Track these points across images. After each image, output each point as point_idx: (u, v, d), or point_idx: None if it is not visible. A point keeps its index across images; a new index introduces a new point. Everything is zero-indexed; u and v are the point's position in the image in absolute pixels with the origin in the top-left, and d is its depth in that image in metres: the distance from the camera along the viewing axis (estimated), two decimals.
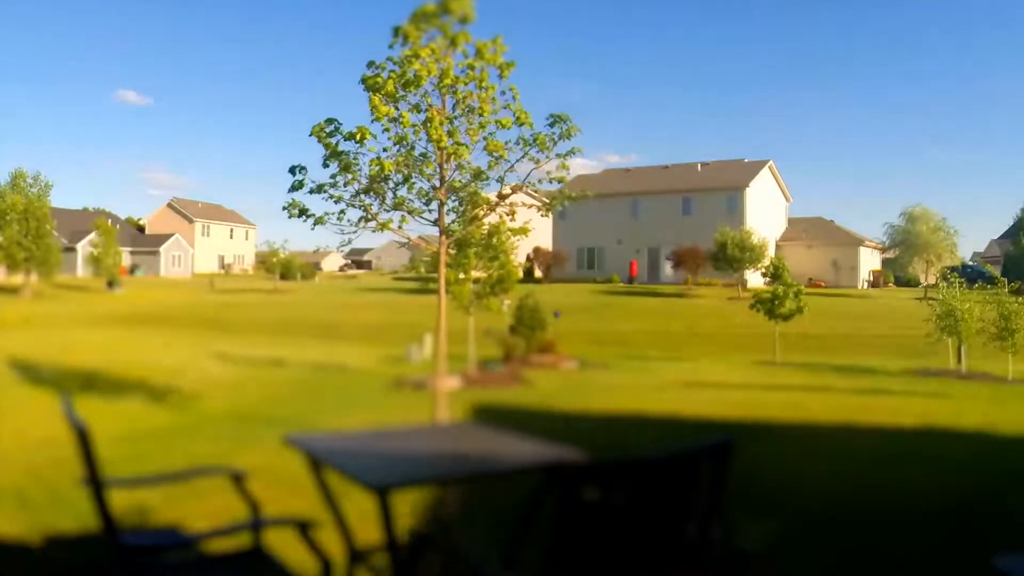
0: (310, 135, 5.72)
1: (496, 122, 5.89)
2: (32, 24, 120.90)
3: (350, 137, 5.71)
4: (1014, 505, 4.95)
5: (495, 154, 5.97)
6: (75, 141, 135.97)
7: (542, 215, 7.13)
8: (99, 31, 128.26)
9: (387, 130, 5.80)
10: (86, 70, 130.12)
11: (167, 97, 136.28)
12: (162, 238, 66.08)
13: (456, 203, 6.48)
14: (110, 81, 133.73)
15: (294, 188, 5.83)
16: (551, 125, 5.98)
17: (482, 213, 6.76)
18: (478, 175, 6.19)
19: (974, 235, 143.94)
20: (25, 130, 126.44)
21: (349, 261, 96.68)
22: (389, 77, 5.64)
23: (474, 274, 12.13)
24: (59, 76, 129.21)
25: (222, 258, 75.10)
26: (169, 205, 74.42)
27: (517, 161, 6.13)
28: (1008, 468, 6.14)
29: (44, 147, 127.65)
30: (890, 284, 47.94)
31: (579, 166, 75.31)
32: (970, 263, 51.79)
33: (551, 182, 6.22)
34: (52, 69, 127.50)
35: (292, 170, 5.85)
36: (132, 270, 59.34)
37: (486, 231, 8.25)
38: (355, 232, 6.19)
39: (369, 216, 6.17)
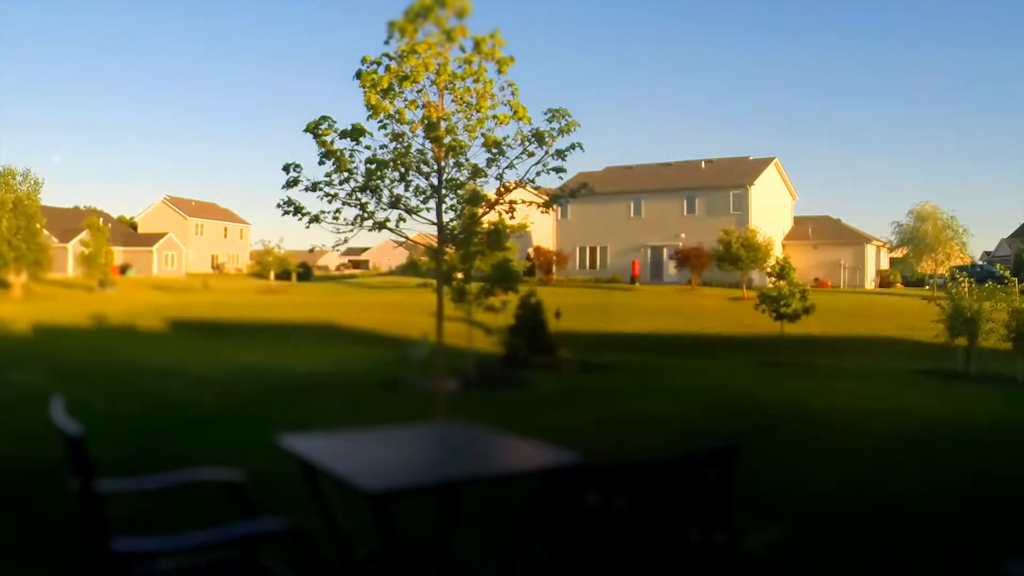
0: (304, 131, 5.66)
1: (494, 117, 5.82)
2: (27, 21, 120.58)
3: (346, 135, 5.65)
4: None
5: (494, 150, 5.90)
6: (68, 137, 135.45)
7: (542, 212, 7.07)
8: (91, 27, 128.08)
9: (383, 127, 5.74)
10: (80, 65, 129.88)
11: (163, 95, 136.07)
12: (155, 237, 65.53)
13: (455, 201, 6.41)
14: (104, 78, 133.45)
15: (288, 185, 5.78)
16: (550, 120, 5.92)
17: (481, 211, 6.69)
18: (477, 172, 6.12)
19: (985, 234, 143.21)
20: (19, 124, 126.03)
21: (346, 260, 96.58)
22: (385, 72, 5.58)
23: (474, 273, 12.07)
24: (52, 73, 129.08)
25: (215, 257, 74.45)
26: (163, 202, 74.13)
27: (516, 158, 6.06)
28: (1018, 471, 6.05)
29: (41, 145, 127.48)
30: (898, 284, 47.73)
31: (580, 164, 75.22)
32: (980, 262, 51.50)
33: (549, 172, 6.15)
34: (46, 66, 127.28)
35: (286, 168, 5.80)
36: (124, 269, 58.99)
37: (485, 229, 8.19)
38: (351, 231, 6.13)
39: (366, 214, 6.11)
